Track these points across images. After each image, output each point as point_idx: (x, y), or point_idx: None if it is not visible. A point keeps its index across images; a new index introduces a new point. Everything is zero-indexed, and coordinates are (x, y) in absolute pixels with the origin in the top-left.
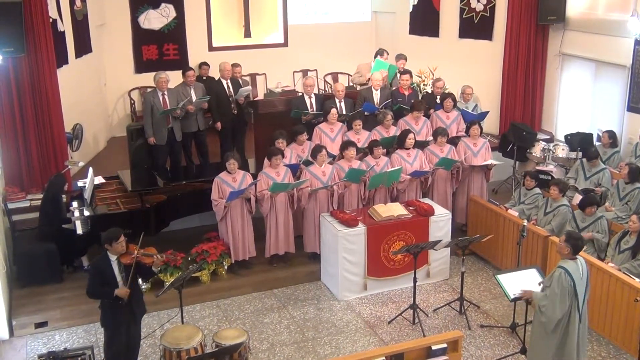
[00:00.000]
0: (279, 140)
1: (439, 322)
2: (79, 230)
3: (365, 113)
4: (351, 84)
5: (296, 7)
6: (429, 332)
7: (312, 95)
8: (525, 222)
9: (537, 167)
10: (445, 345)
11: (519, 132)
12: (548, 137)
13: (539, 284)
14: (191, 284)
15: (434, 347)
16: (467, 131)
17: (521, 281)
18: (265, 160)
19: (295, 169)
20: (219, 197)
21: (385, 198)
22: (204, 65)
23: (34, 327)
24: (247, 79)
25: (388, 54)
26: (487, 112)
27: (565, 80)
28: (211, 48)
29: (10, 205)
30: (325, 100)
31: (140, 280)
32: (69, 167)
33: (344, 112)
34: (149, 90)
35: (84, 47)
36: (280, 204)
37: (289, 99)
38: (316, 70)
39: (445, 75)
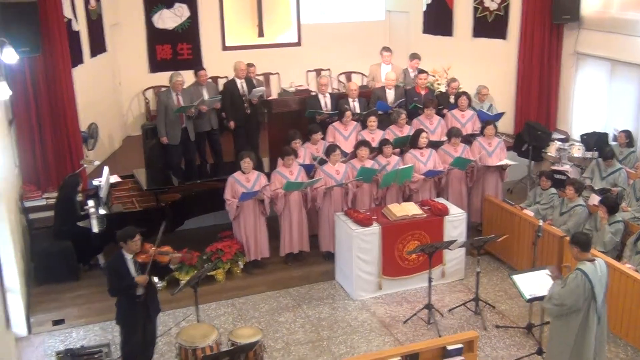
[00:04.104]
0: (294, 140)
1: (455, 322)
2: (95, 229)
3: (379, 112)
4: (365, 84)
5: (309, 6)
6: (445, 332)
7: (327, 95)
8: (540, 222)
9: (553, 167)
10: (460, 345)
11: (534, 131)
12: (563, 136)
13: (549, 275)
14: (206, 283)
15: (449, 348)
16: (481, 131)
17: (537, 281)
18: (279, 160)
19: (309, 170)
20: (232, 197)
21: (397, 198)
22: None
23: (51, 324)
24: (261, 78)
25: (391, 51)
26: (503, 113)
27: (581, 79)
28: (225, 47)
29: (27, 204)
30: (339, 100)
31: (155, 279)
32: (85, 166)
33: (358, 111)
34: (162, 90)
35: (98, 46)
36: (294, 203)
37: (303, 99)
38: (330, 69)
39: (459, 75)
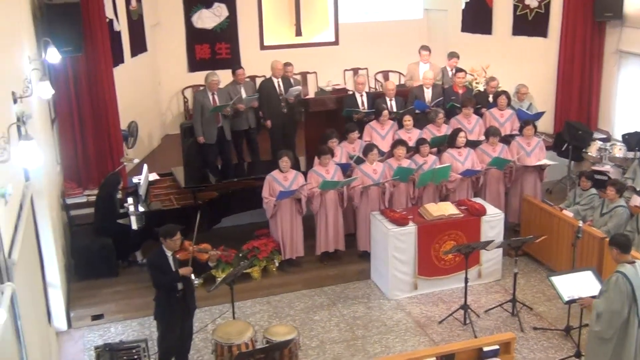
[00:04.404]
0: (331, 139)
1: (491, 323)
2: (134, 226)
3: (417, 111)
4: (402, 83)
5: (347, 6)
6: (481, 334)
7: (363, 93)
8: (580, 223)
9: (593, 167)
10: (497, 346)
11: (574, 131)
12: (604, 136)
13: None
14: (242, 280)
15: (485, 349)
16: (520, 130)
17: (576, 283)
18: (316, 159)
19: (346, 169)
20: (269, 195)
21: (434, 197)
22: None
23: (90, 319)
24: (298, 77)
25: (430, 51)
26: (543, 113)
27: (623, 78)
28: (262, 47)
29: (69, 201)
30: (376, 99)
31: (192, 276)
32: (125, 164)
33: (395, 110)
34: (199, 89)
35: (139, 46)
36: (330, 202)
37: (340, 98)
38: (367, 68)
39: (498, 74)
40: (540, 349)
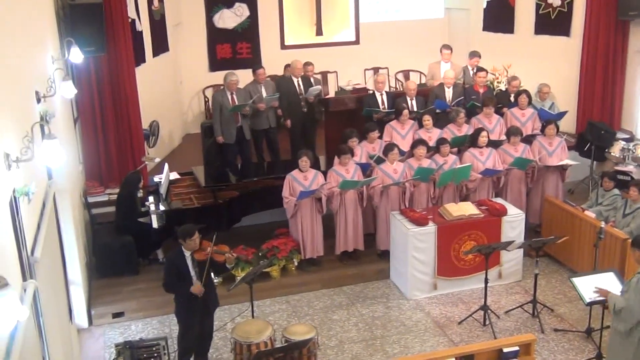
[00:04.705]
0: (351, 139)
1: (511, 324)
2: (155, 224)
3: (437, 110)
4: (423, 82)
5: (368, 5)
6: (501, 335)
7: (383, 93)
8: (602, 224)
9: (616, 168)
10: (517, 348)
11: (597, 131)
12: (628, 136)
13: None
14: (261, 279)
15: (505, 350)
16: (542, 130)
17: (598, 285)
18: (335, 158)
19: (365, 168)
20: (290, 195)
21: (454, 197)
22: (288, 67)
23: (111, 317)
24: (319, 77)
25: (451, 50)
26: (566, 112)
27: None
28: (283, 46)
29: (90, 199)
30: (396, 98)
31: (212, 275)
32: (146, 162)
33: (415, 110)
34: (221, 88)
35: (161, 46)
36: (350, 202)
37: (360, 97)
38: (387, 68)
39: (520, 73)
40: (561, 350)
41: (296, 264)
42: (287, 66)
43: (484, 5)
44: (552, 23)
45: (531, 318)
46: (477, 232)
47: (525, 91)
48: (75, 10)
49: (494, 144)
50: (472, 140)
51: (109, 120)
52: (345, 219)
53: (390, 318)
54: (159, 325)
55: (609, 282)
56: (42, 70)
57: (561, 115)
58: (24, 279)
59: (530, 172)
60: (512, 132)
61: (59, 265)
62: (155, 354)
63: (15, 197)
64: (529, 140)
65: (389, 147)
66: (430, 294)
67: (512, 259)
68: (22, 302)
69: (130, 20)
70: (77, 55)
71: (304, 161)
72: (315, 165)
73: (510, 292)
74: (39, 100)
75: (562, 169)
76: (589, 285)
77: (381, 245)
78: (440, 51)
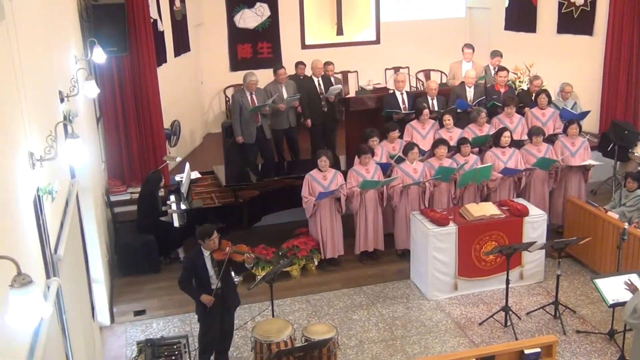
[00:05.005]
0: (372, 138)
1: (532, 325)
2: (176, 223)
3: (458, 110)
4: (444, 82)
5: (389, 4)
6: (522, 336)
7: (404, 92)
8: (626, 225)
9: None
10: (538, 349)
11: (620, 130)
12: None
13: (626, 288)
14: (282, 279)
15: (527, 351)
16: (565, 130)
17: (621, 286)
18: (356, 158)
19: (386, 168)
20: (309, 195)
21: (475, 197)
22: (300, 64)
23: (133, 314)
24: (339, 76)
25: (473, 49)
26: (588, 112)
27: None
28: (304, 46)
29: (112, 198)
30: (417, 98)
31: (232, 273)
32: (167, 162)
33: (437, 110)
34: (240, 88)
35: (182, 46)
36: (370, 201)
37: (380, 97)
38: (408, 67)
39: (542, 72)
40: (583, 352)
41: (316, 263)
42: (298, 64)
43: (506, 4)
44: (575, 22)
45: (553, 319)
46: (498, 233)
47: (545, 91)
48: (98, 11)
49: (516, 144)
50: (494, 140)
51: (131, 120)
52: (365, 219)
53: (411, 318)
54: (180, 324)
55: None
56: (65, 70)
57: (584, 115)
58: (48, 276)
59: (554, 173)
60: (534, 132)
61: (82, 264)
62: (177, 352)
63: (39, 196)
64: (550, 140)
65: (409, 147)
66: (450, 294)
67: (533, 260)
68: (45, 300)
69: (152, 20)
70: (99, 55)
71: (323, 161)
72: (335, 165)
73: (532, 293)
74: (62, 100)
75: (584, 169)
76: (611, 287)
77: (400, 244)
78: (462, 50)
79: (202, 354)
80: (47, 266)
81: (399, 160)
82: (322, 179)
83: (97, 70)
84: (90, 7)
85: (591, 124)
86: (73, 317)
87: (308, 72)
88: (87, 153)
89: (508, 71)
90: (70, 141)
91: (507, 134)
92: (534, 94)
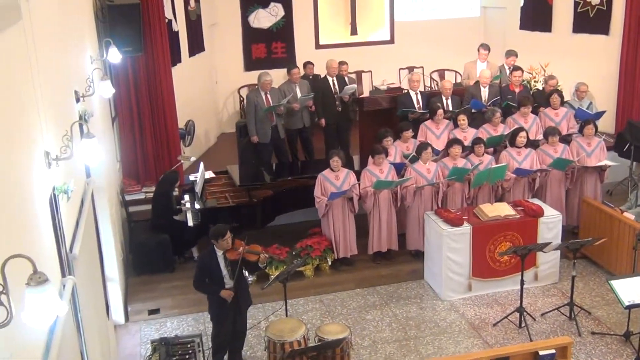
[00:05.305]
0: (386, 138)
1: (547, 327)
2: (190, 223)
3: (473, 110)
4: (458, 82)
5: (403, 4)
6: (536, 337)
7: (418, 92)
8: None
9: None
10: (553, 351)
11: (636, 131)
12: None
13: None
14: (295, 278)
15: (541, 353)
16: (580, 130)
17: (637, 288)
18: (369, 158)
19: (400, 168)
20: (321, 194)
21: (489, 198)
22: (308, 64)
23: (147, 313)
24: (353, 76)
25: (489, 50)
26: (604, 112)
27: None
28: (318, 46)
29: (127, 197)
30: (431, 98)
31: (246, 273)
32: (182, 161)
33: (451, 110)
34: (255, 88)
35: (197, 46)
36: (384, 202)
37: (394, 97)
38: (422, 67)
39: (557, 72)
40: (599, 354)
41: (330, 263)
42: (306, 64)
43: (521, 4)
44: (590, 21)
45: (568, 321)
46: (512, 233)
47: (557, 90)
48: (114, 11)
49: (531, 144)
50: (510, 140)
51: (145, 120)
52: (379, 219)
53: (424, 319)
54: (194, 323)
55: None
56: (81, 70)
57: (599, 115)
58: (63, 275)
59: (570, 173)
60: (549, 132)
61: (97, 262)
62: (190, 351)
63: (54, 195)
64: (565, 140)
65: (423, 146)
66: (464, 295)
67: (548, 261)
68: (61, 298)
69: (167, 20)
70: (115, 56)
71: (335, 161)
72: (348, 164)
73: (547, 294)
74: (78, 100)
75: (600, 169)
76: (627, 288)
77: (412, 245)
78: (478, 50)
79: (215, 353)
80: (62, 265)
81: (413, 159)
82: (334, 179)
83: (113, 70)
84: (105, 8)
85: (607, 124)
86: (88, 316)
87: (317, 71)
88: (102, 152)
89: (523, 71)
90: (85, 141)
91: (523, 134)
92: (547, 94)
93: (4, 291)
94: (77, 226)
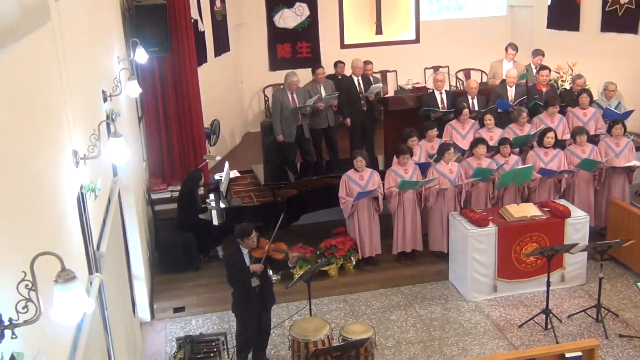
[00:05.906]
0: (411, 138)
1: (574, 329)
2: (215, 222)
3: (499, 110)
4: (484, 81)
5: (428, 3)
6: (563, 339)
7: (443, 92)
8: None
9: None
10: (580, 353)
11: None
12: None
13: None
14: (319, 278)
15: (567, 355)
16: (609, 130)
17: None
18: (394, 158)
19: (425, 168)
20: (346, 195)
21: (515, 198)
22: (339, 63)
23: (172, 311)
24: (378, 76)
25: (517, 50)
26: (632, 111)
27: None
28: (343, 46)
29: (153, 196)
30: (457, 97)
31: (270, 272)
32: (207, 161)
33: (477, 109)
34: (281, 87)
35: (222, 46)
36: (408, 202)
37: (419, 96)
38: (448, 66)
39: (585, 72)
40: (626, 357)
41: (354, 263)
42: (337, 63)
43: (549, 2)
44: (619, 20)
45: (595, 323)
46: (539, 234)
47: (586, 90)
48: (141, 12)
49: (558, 144)
50: (538, 140)
51: (171, 119)
52: (403, 220)
53: (449, 319)
54: (219, 321)
55: None
56: (108, 70)
57: (627, 114)
58: (90, 272)
59: (598, 174)
60: (577, 131)
61: (123, 260)
62: (215, 349)
63: (82, 193)
64: (593, 140)
65: (445, 147)
66: (489, 296)
67: (575, 262)
68: (88, 295)
69: (193, 20)
70: (142, 56)
71: (359, 161)
72: (373, 164)
73: (573, 295)
74: (105, 100)
75: (629, 170)
76: None
77: (434, 246)
78: (506, 50)
79: (239, 351)
80: (89, 262)
81: (438, 159)
82: (359, 179)
83: (139, 70)
84: (132, 8)
85: (636, 123)
86: (114, 313)
87: (347, 71)
88: (128, 152)
89: (550, 70)
90: (112, 140)
91: (551, 134)
92: (576, 93)
93: (33, 288)
94: (104, 224)
